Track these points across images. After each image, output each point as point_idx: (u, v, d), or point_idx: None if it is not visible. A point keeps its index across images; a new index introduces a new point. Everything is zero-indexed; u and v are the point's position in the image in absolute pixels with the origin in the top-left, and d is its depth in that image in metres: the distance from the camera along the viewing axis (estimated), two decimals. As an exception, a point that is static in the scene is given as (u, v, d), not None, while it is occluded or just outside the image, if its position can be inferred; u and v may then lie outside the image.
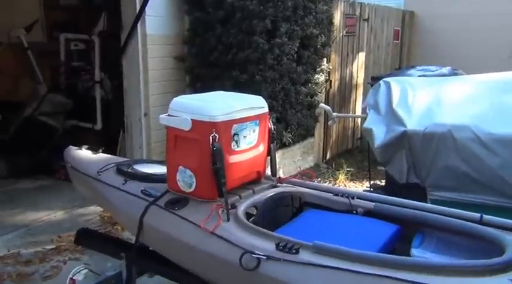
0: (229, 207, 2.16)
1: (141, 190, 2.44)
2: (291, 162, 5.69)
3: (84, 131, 5.71)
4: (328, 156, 6.66)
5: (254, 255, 1.86)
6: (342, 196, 2.44)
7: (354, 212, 2.37)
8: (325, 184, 2.56)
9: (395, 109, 3.27)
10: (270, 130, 2.50)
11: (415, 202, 2.31)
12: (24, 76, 6.29)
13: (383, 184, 5.38)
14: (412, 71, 5.81)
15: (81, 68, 5.94)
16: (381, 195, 2.45)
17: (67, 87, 5.92)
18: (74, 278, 2.47)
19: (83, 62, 5.93)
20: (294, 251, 1.84)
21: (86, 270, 2.52)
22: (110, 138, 5.57)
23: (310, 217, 2.35)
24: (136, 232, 2.31)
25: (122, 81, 5.06)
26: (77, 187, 3.04)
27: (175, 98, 2.35)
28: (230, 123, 2.22)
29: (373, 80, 5.68)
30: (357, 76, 7.12)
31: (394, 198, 2.35)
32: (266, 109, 2.45)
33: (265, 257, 1.85)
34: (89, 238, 2.85)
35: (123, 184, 2.55)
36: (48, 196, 4.84)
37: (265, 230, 2.00)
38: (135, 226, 2.32)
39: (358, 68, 7.12)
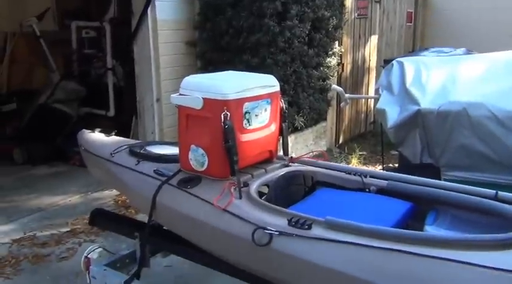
0: (242, 185, 2.17)
1: (154, 170, 2.45)
2: (303, 146, 5.66)
3: (98, 118, 5.76)
4: (340, 140, 6.62)
5: (266, 231, 1.86)
6: (354, 174, 2.42)
7: (367, 190, 2.35)
8: (337, 163, 2.54)
9: (409, 88, 3.23)
10: (281, 109, 2.48)
11: (428, 179, 2.28)
12: (38, 64, 6.36)
13: (396, 166, 5.35)
14: (425, 53, 5.72)
15: (93, 55, 5.97)
16: (394, 173, 2.43)
17: (80, 74, 5.96)
18: (88, 256, 2.49)
19: (94, 49, 5.95)
20: (306, 226, 1.84)
21: (100, 249, 2.55)
22: (122, 124, 5.60)
23: (323, 195, 2.34)
24: (150, 211, 2.33)
25: (133, 68, 5.08)
26: (90, 169, 3.07)
27: (186, 77, 2.35)
28: (241, 101, 2.21)
29: (385, 63, 5.60)
30: (370, 60, 7.05)
31: (407, 175, 2.33)
32: (278, 88, 2.44)
33: (277, 233, 1.85)
34: (103, 219, 2.88)
35: (136, 164, 2.56)
36: (63, 182, 4.91)
37: (277, 207, 2.00)
38: (148, 205, 2.34)
39: (371, 51, 7.04)
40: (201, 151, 2.24)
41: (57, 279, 3.09)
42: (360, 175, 2.40)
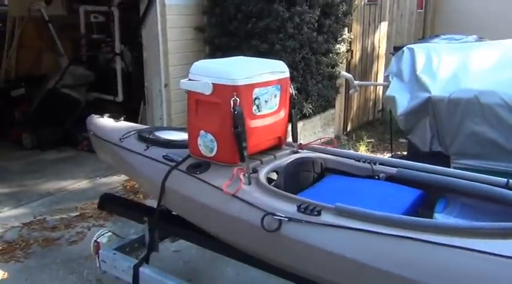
0: (251, 171, 2.17)
1: (163, 156, 2.46)
2: (311, 133, 5.65)
3: (106, 103, 5.77)
4: (349, 128, 6.60)
5: (276, 217, 1.86)
6: (364, 161, 2.41)
7: (376, 177, 2.34)
8: (347, 150, 2.53)
9: (420, 75, 3.20)
10: (291, 95, 2.47)
11: (438, 167, 2.27)
12: (47, 49, 6.36)
13: (405, 154, 5.32)
14: (436, 40, 5.66)
15: (102, 40, 5.96)
16: (404, 161, 2.41)
17: (88, 59, 5.96)
18: (98, 240, 2.52)
19: (103, 34, 5.94)
20: (316, 213, 1.84)
21: (109, 233, 2.57)
22: (131, 110, 5.61)
23: (332, 182, 2.34)
24: (159, 196, 2.34)
25: (141, 53, 5.07)
26: (99, 154, 3.08)
27: (196, 62, 2.34)
28: (251, 86, 2.20)
29: (395, 50, 5.55)
30: (379, 47, 6.98)
31: (416, 163, 2.32)
32: (287, 74, 2.42)
33: (286, 219, 1.85)
34: (112, 203, 2.90)
35: (145, 150, 2.57)
36: (72, 167, 4.94)
37: (286, 193, 2.00)
38: (157, 190, 2.35)
39: (380, 38, 6.97)
40: (210, 136, 2.24)
41: (67, 262, 3.12)
42: (369, 163, 2.39)
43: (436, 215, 2.03)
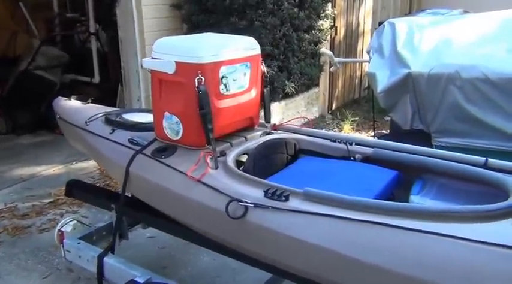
0: (218, 155, 2.05)
1: (128, 139, 2.33)
2: (294, 112, 5.53)
3: (83, 85, 5.59)
4: (333, 107, 6.48)
5: (241, 203, 1.75)
6: (339, 142, 2.30)
7: (352, 158, 2.24)
8: (322, 131, 2.42)
9: (400, 51, 3.08)
10: (263, 73, 2.34)
11: (416, 146, 2.17)
12: (21, 31, 6.13)
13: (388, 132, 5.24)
14: (421, 15, 5.50)
15: (76, 19, 5.74)
16: (380, 141, 2.31)
17: (62, 39, 5.74)
18: (62, 230, 2.40)
19: (77, 13, 5.71)
20: (284, 198, 1.73)
21: (74, 222, 2.45)
22: (109, 91, 5.45)
23: (305, 164, 2.23)
24: (123, 182, 2.22)
25: (117, 32, 4.88)
26: (68, 139, 2.95)
27: (159, 39, 2.20)
28: (217, 64, 2.06)
29: (379, 25, 5.41)
30: (364, 23, 6.81)
31: (394, 143, 2.21)
32: (258, 51, 2.29)
33: (252, 205, 1.74)
34: (79, 190, 2.77)
35: (111, 133, 2.44)
36: (48, 151, 4.79)
37: (254, 177, 1.88)
38: (122, 176, 2.23)
39: (366, 14, 6.80)
40: (175, 118, 2.11)
41: (37, 251, 3.01)
42: (345, 143, 2.29)
43: (412, 197, 1.94)
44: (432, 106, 2.88)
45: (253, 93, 2.31)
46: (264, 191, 1.77)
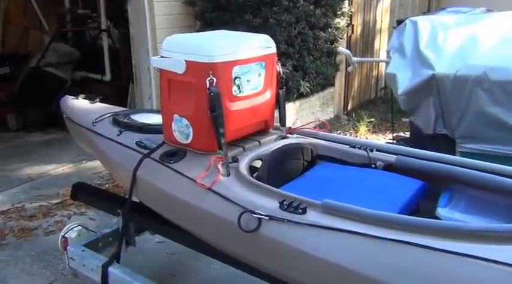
0: (230, 160, 1.92)
1: (136, 142, 2.22)
2: (309, 113, 5.39)
3: (94, 82, 5.51)
4: (349, 107, 6.31)
5: (254, 215, 1.62)
6: (359, 148, 2.16)
7: (373, 166, 2.10)
8: (341, 135, 2.28)
9: (423, 51, 2.91)
10: (278, 73, 2.21)
11: (443, 154, 2.02)
12: (33, 27, 6.07)
13: (407, 136, 5.06)
14: (442, 13, 5.31)
15: (88, 16, 5.66)
16: (404, 147, 2.16)
17: (73, 36, 5.66)
18: (66, 236, 2.29)
19: (88, 9, 5.63)
20: (301, 210, 1.60)
21: (79, 227, 2.34)
22: (120, 89, 5.36)
23: (323, 172, 2.09)
24: (130, 187, 2.10)
25: (129, 29, 4.78)
26: (75, 139, 2.85)
27: (168, 37, 2.07)
28: (230, 64, 1.93)
29: (398, 24, 5.23)
30: (381, 21, 6.63)
31: (418, 150, 2.06)
32: (274, 50, 2.15)
33: (267, 218, 1.61)
34: (85, 193, 2.66)
35: (118, 135, 2.33)
36: (57, 150, 4.70)
37: (268, 187, 1.75)
38: (128, 179, 2.11)
39: (383, 11, 6.61)
40: (185, 121, 1.99)
41: (42, 255, 2.92)
42: (365, 149, 2.14)
43: (439, 210, 1.79)
44: (457, 110, 2.72)
45: (268, 95, 2.18)
46: (280, 202, 1.64)
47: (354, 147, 2.18)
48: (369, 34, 6.40)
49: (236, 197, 1.73)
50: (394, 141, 3.98)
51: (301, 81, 4.87)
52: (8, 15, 6.17)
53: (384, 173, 2.02)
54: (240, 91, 2.01)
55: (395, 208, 1.71)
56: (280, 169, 2.05)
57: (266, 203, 1.67)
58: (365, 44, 6.35)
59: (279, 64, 2.22)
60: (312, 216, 1.58)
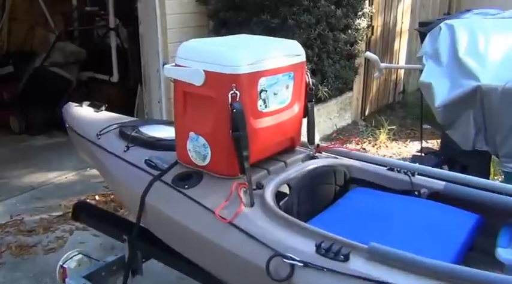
0: (254, 187, 1.66)
1: (145, 160, 1.95)
2: (326, 119, 5.11)
3: (101, 83, 5.26)
4: (367, 112, 6.02)
5: (286, 260, 1.36)
6: (398, 171, 1.89)
7: (416, 193, 1.82)
8: (377, 156, 1.99)
9: (463, 58, 2.62)
10: (307, 84, 1.94)
11: (499, 183, 1.76)
12: (39, 24, 5.84)
13: (429, 144, 4.77)
14: (468, 15, 4.99)
15: (95, 14, 5.40)
16: (451, 173, 1.88)
17: (80, 35, 5.41)
18: (64, 266, 2.04)
19: (96, 7, 5.38)
20: (342, 257, 1.33)
21: (79, 256, 2.09)
22: (128, 90, 5.11)
23: (358, 199, 1.82)
24: (138, 213, 1.84)
25: (138, 28, 4.52)
26: (77, 151, 2.59)
27: (184, 43, 1.80)
28: (256, 75, 1.66)
29: (421, 26, 4.93)
30: (402, 22, 6.32)
31: (471, 177, 1.78)
32: (303, 58, 1.89)
33: (301, 264, 1.34)
34: (87, 215, 2.40)
35: (125, 151, 2.07)
36: (60, 155, 4.44)
37: (302, 224, 1.48)
38: (136, 205, 1.85)
39: (404, 12, 6.30)
40: (202, 140, 1.72)
41: (41, 277, 2.67)
42: (405, 172, 1.87)
43: (500, 251, 1.52)
44: (504, 126, 2.43)
45: (296, 109, 1.91)
46: (317, 245, 1.37)
47: (392, 169, 1.91)
48: (388, 35, 6.10)
49: (263, 235, 1.47)
50: (422, 154, 3.68)
51: (319, 86, 4.59)
52: (14, 10, 5.93)
53: (431, 203, 1.75)
54: (265, 106, 1.74)
55: (452, 251, 1.44)
56: (310, 197, 1.78)
57: (300, 244, 1.41)
58: (385, 46, 6.05)
59: (308, 74, 1.95)
60: (356, 264, 1.31)
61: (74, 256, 2.08)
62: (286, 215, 1.52)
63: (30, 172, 4.09)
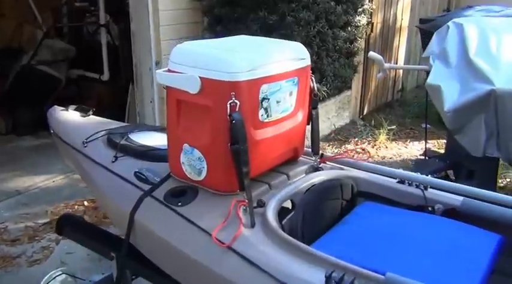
0: (255, 205, 1.50)
1: (135, 172, 1.79)
2: (324, 119, 4.96)
3: (91, 82, 5.08)
4: (365, 111, 5.88)
5: (293, 294, 1.20)
6: (409, 184, 1.74)
7: (429, 209, 1.68)
8: (386, 167, 1.84)
9: (474, 60, 2.48)
10: (311, 90, 1.78)
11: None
12: (28, 21, 5.62)
13: (430, 145, 4.64)
14: (471, 12, 4.85)
15: (85, 9, 5.20)
16: (468, 187, 1.73)
17: (70, 31, 5.21)
18: (46, 288, 1.89)
19: (86, 2, 5.18)
20: (357, 290, 1.18)
21: (63, 276, 1.93)
22: (119, 89, 4.93)
23: (367, 216, 1.66)
24: (126, 231, 1.68)
25: (129, 25, 4.34)
26: (62, 158, 2.42)
27: (178, 45, 1.63)
28: (257, 82, 1.50)
29: (421, 23, 4.78)
30: (401, 19, 6.17)
31: (490, 192, 1.64)
32: (308, 62, 1.74)
33: (310, 299, 1.19)
34: (72, 229, 2.23)
35: (113, 161, 1.90)
36: (48, 157, 4.24)
37: (309, 249, 1.33)
38: (124, 222, 1.69)
39: (403, 9, 6.16)
40: (197, 153, 1.56)
41: (24, 292, 2.51)
42: (417, 186, 1.73)
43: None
44: (519, 133, 2.29)
45: (300, 117, 1.76)
46: (327, 276, 1.22)
47: (403, 182, 1.77)
48: (388, 32, 5.95)
49: (265, 262, 1.31)
50: (426, 157, 3.54)
51: (318, 85, 4.43)
52: (1, 7, 5.71)
53: (448, 222, 1.60)
54: (267, 116, 1.59)
55: (476, 280, 1.30)
56: (316, 214, 1.63)
57: (307, 274, 1.25)
58: (384, 43, 5.91)
59: (313, 79, 1.79)
60: (372, 299, 1.16)
61: (57, 276, 1.92)
62: (290, 238, 1.37)
63: (16, 176, 3.91)
